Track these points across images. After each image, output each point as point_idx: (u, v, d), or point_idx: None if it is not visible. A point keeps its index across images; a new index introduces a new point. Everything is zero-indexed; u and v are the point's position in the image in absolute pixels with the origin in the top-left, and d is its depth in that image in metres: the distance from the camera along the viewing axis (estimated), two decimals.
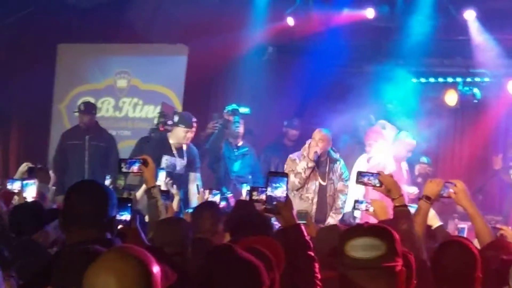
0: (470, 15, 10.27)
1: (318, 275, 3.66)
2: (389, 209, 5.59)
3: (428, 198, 5.14)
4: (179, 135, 9.32)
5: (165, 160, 9.18)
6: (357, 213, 7.59)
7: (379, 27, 10.75)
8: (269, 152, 10.97)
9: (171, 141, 9.38)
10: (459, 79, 11.05)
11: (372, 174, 5.26)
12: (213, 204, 6.44)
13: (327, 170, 8.98)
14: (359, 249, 2.75)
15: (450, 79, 11.18)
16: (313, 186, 8.90)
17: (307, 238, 3.77)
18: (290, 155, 9.07)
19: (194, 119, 9.36)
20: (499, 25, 10.31)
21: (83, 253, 2.96)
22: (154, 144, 9.43)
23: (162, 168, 8.34)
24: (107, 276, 2.43)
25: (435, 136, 11.35)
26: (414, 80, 11.24)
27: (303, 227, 3.81)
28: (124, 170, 5.73)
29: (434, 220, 6.07)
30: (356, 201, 6.95)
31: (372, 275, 2.74)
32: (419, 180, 10.09)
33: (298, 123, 10.92)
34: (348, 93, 10.70)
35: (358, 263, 2.74)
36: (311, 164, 8.80)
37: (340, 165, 9.05)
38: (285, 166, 9.04)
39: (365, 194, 8.41)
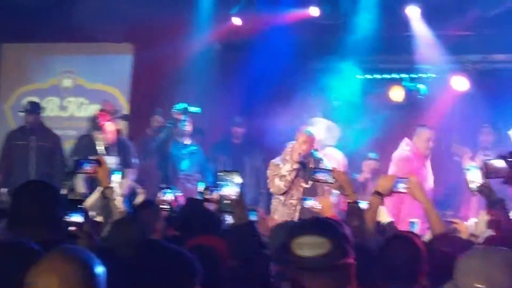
0: (413, 12, 10.40)
1: (271, 270, 3.68)
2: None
3: (379, 193, 5.20)
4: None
5: None
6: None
7: (324, 25, 10.81)
8: (216, 150, 10.97)
9: (98, 142, 9.53)
10: (404, 75, 11.16)
11: (326, 170, 5.31)
12: (151, 202, 6.45)
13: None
14: (305, 247, 2.77)
15: (395, 75, 11.28)
16: (297, 192, 8.67)
17: (260, 235, 3.80)
18: (272, 161, 8.86)
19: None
20: (443, 21, 10.46)
21: (17, 251, 2.95)
22: (82, 147, 9.52)
23: (117, 170, 8.32)
24: (50, 278, 2.44)
25: (381, 132, 11.48)
26: (360, 76, 11.32)
27: (255, 224, 3.84)
28: (76, 170, 5.69)
29: (384, 216, 6.12)
30: (302, 199, 7.00)
31: (318, 272, 2.78)
32: (368, 175, 10.19)
33: (242, 120, 10.93)
34: (294, 90, 10.76)
35: (304, 261, 2.77)
36: (295, 166, 8.59)
37: (324, 164, 8.73)
38: (268, 171, 8.88)
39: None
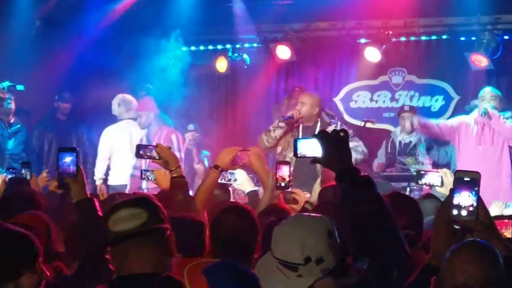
0: None
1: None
2: None
3: (216, 167, 5.21)
4: None
5: None
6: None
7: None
8: (42, 128, 10.71)
9: None
10: (228, 46, 11.22)
11: (151, 147, 5.27)
12: None
13: None
14: (121, 221, 2.76)
15: (219, 46, 11.33)
16: (291, 153, 7.82)
17: (99, 212, 3.76)
18: None
19: None
20: None
21: None
22: None
23: None
24: None
25: (208, 103, 11.56)
26: (184, 48, 11.29)
27: (95, 201, 3.80)
28: None
29: (246, 185, 6.11)
30: (143, 170, 6.93)
31: (137, 244, 2.76)
32: (190, 146, 10.25)
33: (69, 96, 10.71)
34: (120, 63, 10.62)
35: (121, 235, 2.75)
36: (281, 124, 8.25)
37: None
38: None
39: None
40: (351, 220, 3.03)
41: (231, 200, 6.51)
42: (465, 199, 2.52)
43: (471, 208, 2.52)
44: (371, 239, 2.99)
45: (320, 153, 3.11)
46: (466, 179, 2.54)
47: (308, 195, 6.07)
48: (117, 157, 9.95)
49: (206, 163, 10.34)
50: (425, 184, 5.54)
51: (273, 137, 8.26)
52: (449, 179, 5.30)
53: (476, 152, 8.42)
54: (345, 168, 3.06)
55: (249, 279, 2.80)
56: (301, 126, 8.50)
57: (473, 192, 2.53)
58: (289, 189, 5.98)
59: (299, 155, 3.37)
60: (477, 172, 2.55)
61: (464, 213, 2.53)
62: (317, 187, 5.88)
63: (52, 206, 5.57)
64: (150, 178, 6.59)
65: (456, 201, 2.53)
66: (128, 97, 10.18)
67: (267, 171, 5.36)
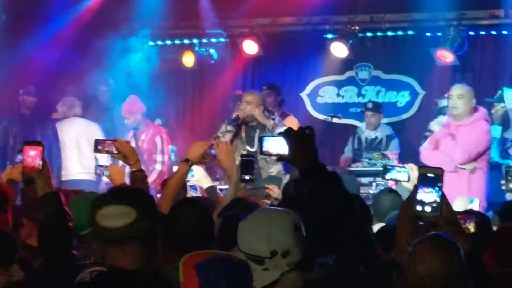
0: None
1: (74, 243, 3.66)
2: None
3: (187, 160, 5.19)
4: None
5: None
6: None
7: None
8: (6, 122, 10.58)
9: None
10: (195, 41, 11.18)
11: (109, 141, 5.23)
12: None
13: (257, 135, 8.30)
14: (108, 218, 2.73)
15: (186, 41, 11.29)
16: (239, 157, 8.36)
17: (65, 207, 3.74)
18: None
19: None
20: None
21: None
22: None
23: None
24: None
25: (175, 97, 11.53)
26: (151, 43, 11.25)
27: (61, 195, 3.77)
28: None
29: (204, 180, 6.10)
30: (97, 166, 6.89)
31: (124, 242, 2.74)
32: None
33: (35, 90, 10.61)
34: (86, 58, 10.55)
35: (109, 232, 2.73)
36: (230, 128, 8.24)
37: (275, 123, 8.38)
38: None
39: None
40: (318, 217, 3.03)
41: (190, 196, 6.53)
42: (428, 195, 2.53)
43: (434, 204, 2.53)
44: (338, 236, 3.00)
45: (286, 150, 3.11)
46: (429, 175, 2.55)
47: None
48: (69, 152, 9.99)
49: (173, 158, 10.30)
50: (391, 179, 5.57)
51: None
52: (415, 174, 5.32)
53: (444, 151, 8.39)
54: (312, 165, 3.05)
55: (242, 275, 2.79)
56: (244, 126, 8.53)
57: (437, 188, 2.54)
58: (253, 183, 6.00)
59: (265, 153, 3.36)
60: (440, 168, 2.57)
61: (428, 209, 2.54)
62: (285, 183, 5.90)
63: (25, 201, 5.54)
64: (104, 174, 6.58)
65: (419, 197, 2.54)
66: (68, 98, 10.17)
67: (233, 168, 5.35)
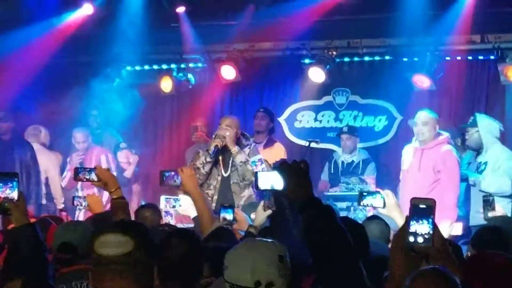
0: (181, 9, 10.48)
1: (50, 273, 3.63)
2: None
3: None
4: None
5: None
6: None
7: (94, 18, 10.60)
8: None
9: None
10: (173, 66, 11.19)
11: (89, 169, 5.22)
12: None
13: (231, 160, 8.30)
14: (106, 245, 2.74)
15: (164, 66, 11.28)
16: (215, 181, 8.24)
17: (41, 238, 3.72)
18: (198, 149, 8.47)
19: None
20: (211, 11, 10.60)
21: None
22: None
23: None
24: None
25: (152, 122, 11.52)
26: (129, 68, 11.25)
27: (37, 228, 3.75)
28: None
29: (191, 210, 6.08)
30: (75, 197, 6.86)
31: (118, 271, 2.74)
32: (123, 165, 10.24)
33: (5, 115, 10.51)
34: (61, 85, 10.56)
35: (106, 260, 2.73)
36: (209, 159, 8.15)
37: (251, 149, 8.37)
38: (186, 154, 8.39)
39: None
40: (311, 249, 3.04)
41: (165, 221, 6.52)
42: (421, 226, 2.54)
43: (427, 235, 2.54)
44: (331, 269, 3.01)
45: (281, 185, 3.12)
46: (421, 206, 2.56)
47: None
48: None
49: None
50: (367, 205, 5.57)
51: (204, 173, 8.23)
52: (391, 200, 5.33)
53: (416, 175, 8.49)
54: (307, 198, 3.07)
55: None
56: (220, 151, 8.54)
57: (429, 219, 2.55)
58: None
59: (260, 188, 3.38)
60: (432, 199, 2.58)
61: (420, 239, 2.54)
62: (260, 211, 5.91)
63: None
64: (83, 205, 6.55)
65: (412, 228, 2.55)
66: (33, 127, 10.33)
67: (199, 193, 5.35)
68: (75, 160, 10.09)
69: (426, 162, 8.32)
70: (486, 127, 8.26)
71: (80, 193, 9.37)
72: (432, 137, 8.41)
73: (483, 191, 7.80)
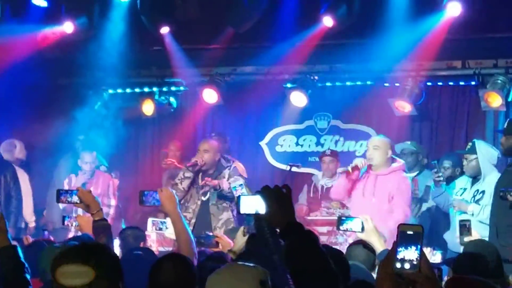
0: (165, 30, 10.48)
1: None
2: None
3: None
4: None
5: None
6: None
7: (75, 40, 10.58)
8: None
9: None
10: (155, 89, 11.18)
11: (71, 191, 5.22)
12: None
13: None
14: (67, 276, 2.72)
15: (146, 89, 11.27)
16: (194, 205, 8.31)
17: (22, 259, 3.71)
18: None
19: None
20: (193, 35, 10.61)
21: None
22: None
23: None
24: None
25: (134, 146, 11.48)
26: (111, 91, 11.23)
27: (19, 249, 3.74)
28: None
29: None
30: (66, 217, 6.84)
31: None
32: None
33: None
34: (47, 107, 10.52)
35: None
36: (188, 174, 8.19)
37: (230, 169, 8.49)
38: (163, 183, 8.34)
39: None
40: (293, 275, 3.02)
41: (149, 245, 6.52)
42: (408, 252, 2.52)
43: (414, 262, 2.52)
44: None
45: (263, 209, 3.11)
46: (409, 232, 2.54)
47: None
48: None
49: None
50: (346, 229, 5.57)
51: (182, 189, 8.29)
52: (369, 225, 5.34)
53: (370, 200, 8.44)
54: (289, 223, 3.05)
55: None
56: (200, 174, 8.53)
57: (417, 245, 2.54)
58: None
59: (241, 212, 3.36)
60: (420, 225, 2.57)
61: (407, 266, 2.52)
62: (240, 236, 5.90)
63: None
64: (73, 225, 6.53)
65: (399, 254, 2.53)
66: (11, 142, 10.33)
67: (178, 214, 5.32)
68: (80, 181, 10.02)
69: (381, 188, 8.21)
70: (484, 154, 8.16)
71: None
72: (384, 162, 8.24)
73: (483, 222, 7.74)
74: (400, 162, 8.44)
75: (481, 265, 4.76)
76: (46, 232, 8.37)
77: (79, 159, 10.22)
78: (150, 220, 6.35)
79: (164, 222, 5.96)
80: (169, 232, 6.17)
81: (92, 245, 2.92)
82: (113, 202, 9.92)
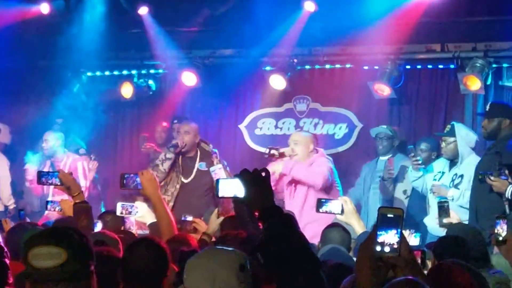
0: (143, 10, 10.43)
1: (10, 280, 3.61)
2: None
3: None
4: None
5: None
6: None
7: (53, 22, 10.52)
8: None
9: None
10: (134, 72, 11.14)
11: (52, 173, 5.23)
12: None
13: (195, 166, 8.38)
14: (40, 258, 2.72)
15: (125, 72, 11.22)
16: (173, 188, 8.27)
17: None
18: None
19: None
20: (171, 18, 10.56)
21: None
22: None
23: None
24: None
25: (113, 128, 11.44)
26: (89, 73, 11.18)
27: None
28: None
29: (147, 216, 6.04)
30: (49, 201, 6.82)
31: (56, 283, 2.73)
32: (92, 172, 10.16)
33: None
34: (26, 90, 10.47)
35: (39, 272, 2.72)
36: (169, 155, 8.14)
37: (216, 157, 8.45)
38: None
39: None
40: (273, 258, 3.02)
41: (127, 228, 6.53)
42: (388, 235, 2.52)
43: (394, 245, 2.52)
44: (292, 277, 2.99)
45: (242, 192, 3.11)
46: (389, 215, 2.54)
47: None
48: None
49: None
50: (326, 212, 5.59)
51: (163, 170, 8.26)
52: (349, 207, 5.38)
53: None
54: (268, 206, 3.06)
55: None
56: (180, 157, 8.51)
57: (397, 229, 2.53)
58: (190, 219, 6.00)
59: (220, 196, 3.36)
60: (400, 209, 2.57)
61: (387, 249, 2.52)
62: (214, 219, 5.91)
63: None
64: (56, 209, 6.50)
65: (379, 238, 2.53)
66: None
67: (159, 197, 5.32)
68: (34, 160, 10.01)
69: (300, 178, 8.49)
70: (463, 137, 8.18)
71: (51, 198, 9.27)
72: (306, 155, 8.60)
73: (463, 207, 7.77)
74: (320, 151, 8.76)
75: (463, 249, 4.78)
76: (22, 212, 8.33)
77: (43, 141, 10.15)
78: (119, 204, 6.36)
79: (133, 206, 5.94)
80: (139, 216, 6.16)
81: (63, 228, 2.92)
82: (83, 183, 9.75)
